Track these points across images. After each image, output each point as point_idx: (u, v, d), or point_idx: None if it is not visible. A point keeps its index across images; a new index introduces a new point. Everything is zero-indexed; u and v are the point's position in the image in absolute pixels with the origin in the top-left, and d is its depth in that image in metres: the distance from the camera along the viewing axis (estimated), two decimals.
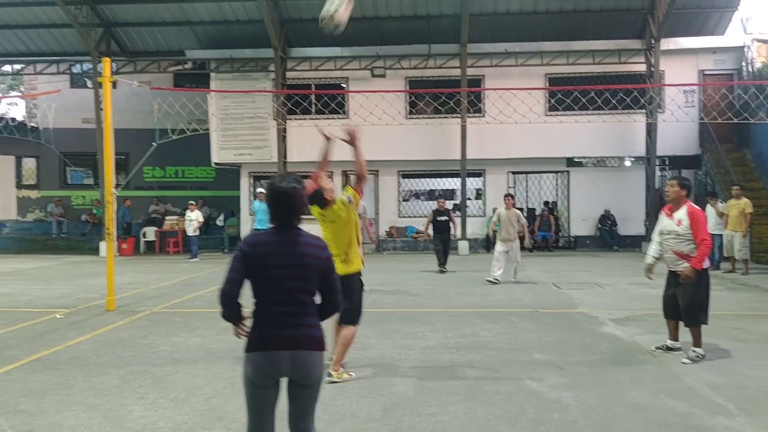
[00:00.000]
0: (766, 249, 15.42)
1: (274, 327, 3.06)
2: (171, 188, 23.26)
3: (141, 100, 20.26)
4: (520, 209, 20.15)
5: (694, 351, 6.20)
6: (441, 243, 14.30)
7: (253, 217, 15.26)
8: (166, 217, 21.77)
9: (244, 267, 3.09)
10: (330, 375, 5.61)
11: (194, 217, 17.67)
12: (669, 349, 6.50)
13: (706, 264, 6.27)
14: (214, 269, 13.83)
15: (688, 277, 6.09)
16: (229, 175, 21.88)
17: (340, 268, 5.17)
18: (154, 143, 12.41)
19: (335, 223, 5.62)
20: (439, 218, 14.29)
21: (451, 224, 14.39)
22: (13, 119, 22.83)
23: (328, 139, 5.86)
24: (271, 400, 3.13)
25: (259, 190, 14.58)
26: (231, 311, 3.14)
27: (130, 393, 5.32)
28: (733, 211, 13.40)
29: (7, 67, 23.56)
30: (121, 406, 4.99)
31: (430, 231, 14.38)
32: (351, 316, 5.67)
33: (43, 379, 5.76)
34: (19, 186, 24.29)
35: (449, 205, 21.15)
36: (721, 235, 14.88)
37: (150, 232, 21.33)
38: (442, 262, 14.29)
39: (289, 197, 3.15)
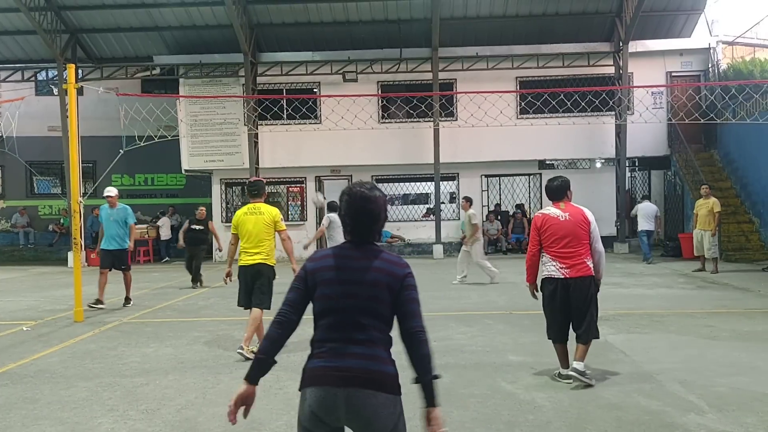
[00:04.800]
0: (735, 248, 15.69)
1: (330, 358, 2.46)
2: (141, 196, 22.90)
3: (108, 107, 19.96)
4: (495, 212, 20.38)
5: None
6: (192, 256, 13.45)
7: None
8: (136, 226, 21.41)
9: (303, 285, 2.58)
10: (241, 349, 6.60)
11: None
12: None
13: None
14: (185, 278, 13.63)
15: None
16: (201, 182, 21.65)
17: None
18: (121, 150, 12.21)
19: (262, 216, 6.77)
20: (194, 227, 13.54)
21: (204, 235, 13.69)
22: None
23: None
24: None
25: (109, 192, 10.84)
26: (268, 341, 2.58)
27: (99, 405, 5.20)
28: (702, 211, 13.59)
29: None
30: (90, 419, 4.87)
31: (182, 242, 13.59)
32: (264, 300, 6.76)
33: (9, 393, 5.60)
34: None
35: (421, 209, 21.25)
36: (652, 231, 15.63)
37: None
38: (194, 278, 13.35)
39: (373, 205, 2.62)
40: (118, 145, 14.93)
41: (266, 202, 7.07)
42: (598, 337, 5.59)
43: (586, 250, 5.45)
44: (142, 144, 12.69)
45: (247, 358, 6.54)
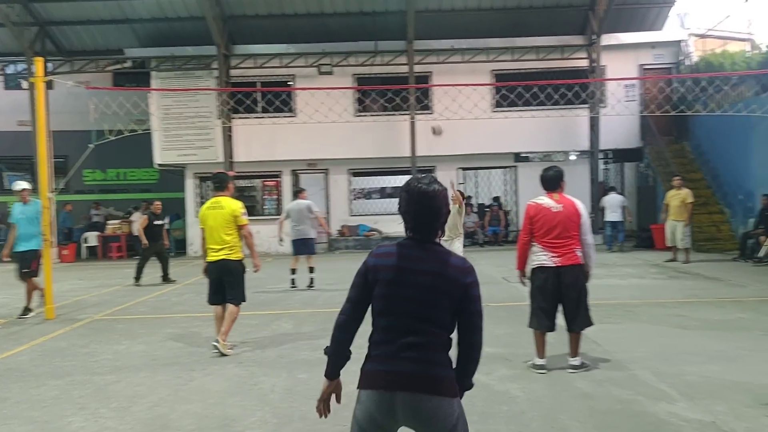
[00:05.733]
0: (706, 238, 15.93)
1: (386, 361, 2.45)
2: (113, 191, 22.62)
3: (79, 101, 19.61)
4: (472, 205, 20.45)
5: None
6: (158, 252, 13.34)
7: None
8: (108, 222, 21.14)
9: (364, 281, 2.54)
10: (217, 342, 6.56)
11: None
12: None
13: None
14: (158, 274, 13.47)
15: None
16: (174, 176, 21.40)
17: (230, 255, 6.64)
18: (90, 145, 12.01)
19: (222, 210, 6.64)
20: (157, 222, 13.42)
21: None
22: None
23: None
24: None
25: (20, 185, 9.50)
26: (334, 338, 2.59)
27: (70, 404, 5.12)
28: (674, 202, 13.77)
29: None
30: (60, 417, 4.79)
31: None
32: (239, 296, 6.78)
33: None
34: None
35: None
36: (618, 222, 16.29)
37: (92, 238, 20.68)
38: (163, 274, 13.26)
39: (434, 201, 2.54)
40: (89, 139, 14.72)
41: (240, 196, 6.99)
42: (591, 324, 5.69)
43: (576, 240, 5.51)
44: (112, 138, 12.49)
45: (223, 354, 6.51)
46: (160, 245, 13.36)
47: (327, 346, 2.64)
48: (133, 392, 5.40)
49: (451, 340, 2.51)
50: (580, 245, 5.53)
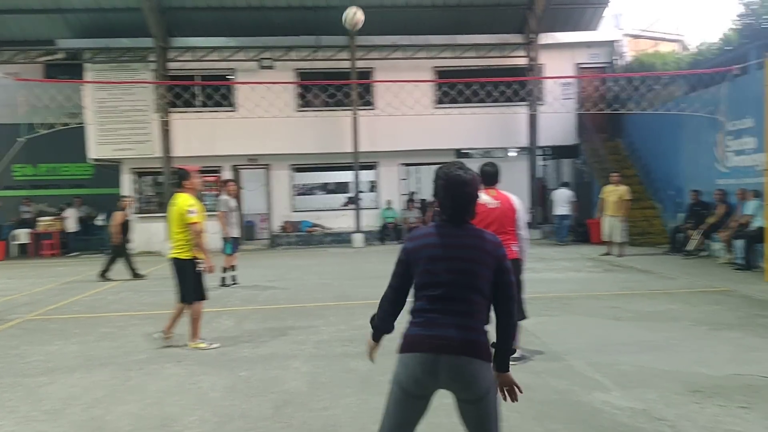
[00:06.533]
0: (638, 232, 16.49)
1: (431, 327, 2.68)
2: (45, 187, 21.72)
3: (7, 93, 18.81)
4: (414, 200, 20.60)
5: None
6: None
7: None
8: (40, 218, 20.34)
9: (405, 269, 2.81)
10: (186, 346, 6.64)
11: None
12: None
13: None
14: (93, 271, 13.06)
15: None
16: (110, 171, 20.75)
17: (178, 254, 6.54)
18: (20, 139, 11.53)
19: (174, 206, 6.58)
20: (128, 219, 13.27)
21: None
22: None
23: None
24: (416, 413, 2.75)
25: None
26: (380, 314, 2.96)
27: None
28: (611, 197, 14.20)
29: None
30: None
31: None
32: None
33: None
34: None
35: (340, 198, 21.22)
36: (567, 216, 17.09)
37: (22, 235, 19.86)
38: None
39: (471, 188, 2.79)
40: (18, 133, 14.13)
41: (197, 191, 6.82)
42: (525, 317, 5.81)
43: (512, 235, 5.58)
44: (44, 132, 12.03)
45: (204, 348, 6.61)
46: (127, 242, 13.05)
47: (374, 315, 3.01)
48: (66, 394, 5.23)
49: (489, 311, 2.78)
50: (515, 240, 5.62)
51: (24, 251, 19.75)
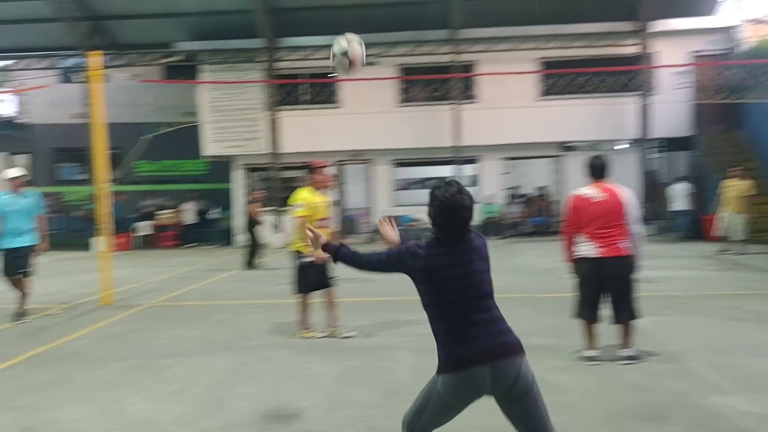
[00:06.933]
0: (759, 229, 15.44)
1: (469, 342, 2.74)
2: (164, 182, 23.09)
3: (131, 94, 20.12)
4: (517, 195, 20.29)
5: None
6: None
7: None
8: (160, 211, 21.69)
9: (400, 268, 2.92)
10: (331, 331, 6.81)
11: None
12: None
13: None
14: (209, 262, 13.78)
15: None
16: (222, 167, 21.78)
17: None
18: (143, 137, 12.30)
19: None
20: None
21: None
22: (4, 116, 22.61)
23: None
24: (454, 416, 2.92)
25: (13, 173, 8.38)
26: (352, 253, 3.09)
27: (129, 386, 5.31)
28: (732, 193, 13.40)
29: None
30: (120, 399, 4.98)
31: None
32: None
33: (42, 374, 5.74)
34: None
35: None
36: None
37: (144, 227, 21.28)
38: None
39: (470, 211, 2.85)
40: (141, 131, 15.11)
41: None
42: (635, 318, 5.55)
43: (621, 231, 5.39)
44: (165, 131, 12.80)
45: (346, 336, 6.85)
46: (258, 233, 13.81)
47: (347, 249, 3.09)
48: (189, 375, 5.57)
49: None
50: (626, 236, 5.41)
51: (145, 242, 21.13)
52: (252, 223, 13.51)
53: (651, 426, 4.16)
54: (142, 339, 7.10)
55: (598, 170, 5.57)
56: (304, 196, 6.85)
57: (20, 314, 8.22)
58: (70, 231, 22.56)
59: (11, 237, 8.10)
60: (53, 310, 9.00)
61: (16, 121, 23.20)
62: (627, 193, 5.51)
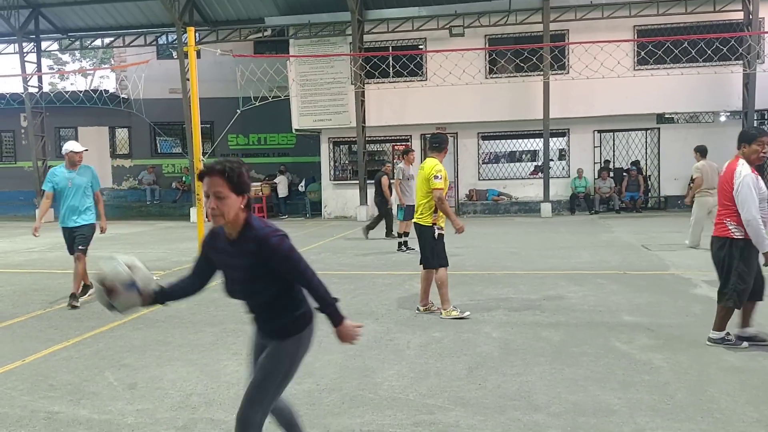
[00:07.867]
0: None
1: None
2: (254, 155, 23.79)
3: (224, 69, 20.80)
4: (608, 169, 19.63)
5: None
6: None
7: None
8: (251, 183, 22.39)
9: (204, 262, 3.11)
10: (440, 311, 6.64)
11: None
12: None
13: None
14: (297, 233, 14.13)
15: None
16: (310, 141, 22.20)
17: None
18: (238, 110, 12.69)
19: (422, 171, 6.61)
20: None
21: None
22: (106, 91, 23.85)
23: None
24: None
25: (72, 147, 7.69)
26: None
27: (224, 349, 5.57)
28: None
29: (97, 41, 24.51)
30: (216, 361, 5.23)
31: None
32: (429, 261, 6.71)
33: (144, 336, 6.11)
34: (113, 155, 25.45)
35: (528, 166, 20.76)
36: None
37: None
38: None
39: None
40: (233, 105, 15.57)
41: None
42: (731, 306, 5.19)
43: (729, 211, 5.09)
44: (256, 104, 13.14)
45: (461, 317, 6.56)
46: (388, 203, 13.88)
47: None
48: None
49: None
50: (733, 216, 5.06)
51: None
52: (381, 195, 13.64)
53: (749, 408, 3.96)
54: (235, 305, 7.26)
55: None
56: (440, 167, 6.49)
57: (85, 287, 7.84)
58: (170, 201, 23.74)
59: (69, 215, 7.67)
60: (154, 276, 9.47)
61: (117, 96, 24.44)
62: (743, 171, 5.32)
